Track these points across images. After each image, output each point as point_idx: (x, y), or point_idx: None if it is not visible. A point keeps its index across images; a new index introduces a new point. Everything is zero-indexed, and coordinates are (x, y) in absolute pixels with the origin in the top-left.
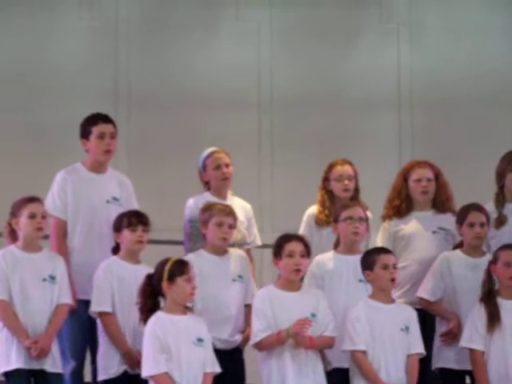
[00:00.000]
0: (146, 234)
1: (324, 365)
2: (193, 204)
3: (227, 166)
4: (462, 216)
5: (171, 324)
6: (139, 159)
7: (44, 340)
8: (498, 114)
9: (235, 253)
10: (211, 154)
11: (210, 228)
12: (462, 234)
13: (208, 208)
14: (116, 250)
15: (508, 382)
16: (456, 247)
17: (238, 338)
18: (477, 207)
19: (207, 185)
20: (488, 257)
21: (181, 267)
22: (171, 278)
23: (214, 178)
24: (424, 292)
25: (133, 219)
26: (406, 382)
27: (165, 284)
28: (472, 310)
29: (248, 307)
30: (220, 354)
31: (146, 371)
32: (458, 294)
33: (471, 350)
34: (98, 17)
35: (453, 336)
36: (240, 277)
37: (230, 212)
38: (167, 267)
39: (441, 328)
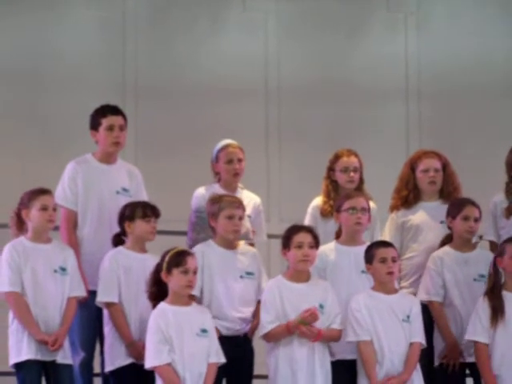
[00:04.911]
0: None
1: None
2: (201, 194)
3: (240, 161)
4: (456, 209)
5: (174, 315)
6: (146, 150)
7: (62, 335)
8: (505, 104)
9: (246, 249)
10: (225, 146)
11: (221, 221)
12: (454, 226)
13: (217, 200)
14: (116, 240)
15: None
16: (443, 243)
17: (246, 327)
18: (472, 202)
19: (218, 176)
20: (479, 251)
21: (177, 259)
22: (168, 269)
23: (224, 171)
24: (424, 293)
25: (147, 210)
26: (403, 368)
27: (163, 274)
28: (477, 303)
29: (259, 302)
30: (229, 340)
31: (148, 362)
32: (450, 290)
33: (475, 343)
34: (106, 7)
35: (448, 359)
36: (249, 274)
37: (239, 204)
38: (166, 258)
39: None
